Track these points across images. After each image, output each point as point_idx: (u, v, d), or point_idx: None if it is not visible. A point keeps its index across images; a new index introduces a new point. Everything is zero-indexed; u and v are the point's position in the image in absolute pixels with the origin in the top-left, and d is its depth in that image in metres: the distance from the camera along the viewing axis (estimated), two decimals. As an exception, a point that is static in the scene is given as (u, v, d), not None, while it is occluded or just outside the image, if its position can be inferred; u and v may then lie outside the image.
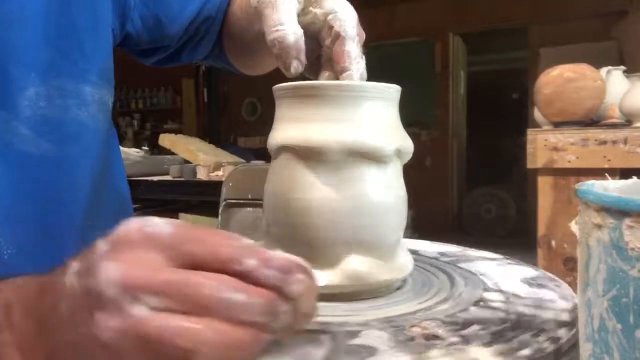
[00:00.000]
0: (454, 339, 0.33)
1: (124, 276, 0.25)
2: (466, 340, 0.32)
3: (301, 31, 0.42)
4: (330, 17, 0.43)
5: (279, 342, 0.30)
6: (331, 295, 0.40)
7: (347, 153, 0.39)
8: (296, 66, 0.42)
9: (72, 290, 0.27)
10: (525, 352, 0.31)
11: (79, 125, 0.53)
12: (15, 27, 0.48)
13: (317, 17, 0.43)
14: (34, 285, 0.31)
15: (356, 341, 0.33)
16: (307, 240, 0.40)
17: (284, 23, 0.41)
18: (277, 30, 0.41)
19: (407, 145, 0.42)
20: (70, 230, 0.52)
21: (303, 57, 0.42)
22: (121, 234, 0.27)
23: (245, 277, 0.26)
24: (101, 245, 0.27)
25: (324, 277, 0.39)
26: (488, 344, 0.32)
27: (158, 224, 0.27)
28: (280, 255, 0.27)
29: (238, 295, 0.25)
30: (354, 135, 0.39)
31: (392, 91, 0.42)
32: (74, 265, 0.28)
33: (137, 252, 0.26)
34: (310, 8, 0.43)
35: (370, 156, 0.39)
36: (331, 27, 0.43)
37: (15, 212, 0.47)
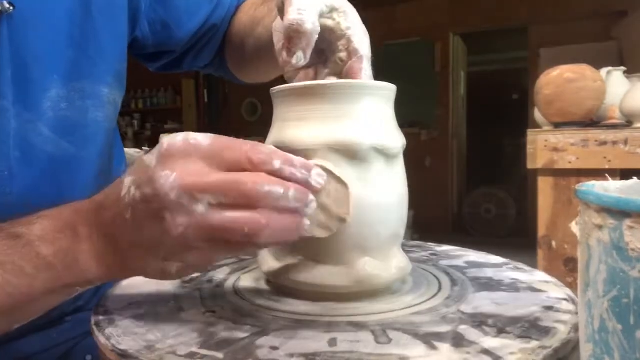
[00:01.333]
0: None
1: (182, 181, 0.31)
2: None
3: (319, 28, 0.41)
4: (350, 31, 0.43)
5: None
6: (336, 295, 0.40)
7: (336, 151, 0.39)
8: (300, 57, 0.41)
9: (133, 200, 0.33)
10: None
11: (97, 126, 0.55)
12: (41, 30, 0.49)
13: (340, 26, 0.43)
14: (88, 206, 0.37)
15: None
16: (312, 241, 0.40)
17: (307, 10, 0.40)
18: (299, 13, 0.40)
19: (393, 143, 0.42)
20: None
21: (309, 52, 0.41)
22: (168, 148, 0.32)
23: (274, 175, 0.32)
24: (149, 159, 0.33)
25: (335, 278, 0.40)
26: None
27: (197, 137, 0.33)
28: (299, 158, 0.34)
29: (276, 187, 0.32)
30: (342, 133, 0.39)
31: (387, 89, 0.42)
32: (127, 181, 0.33)
33: (185, 161, 0.32)
34: (335, 15, 0.43)
35: (352, 154, 0.39)
36: (350, 42, 0.43)
37: (33, 209, 0.48)
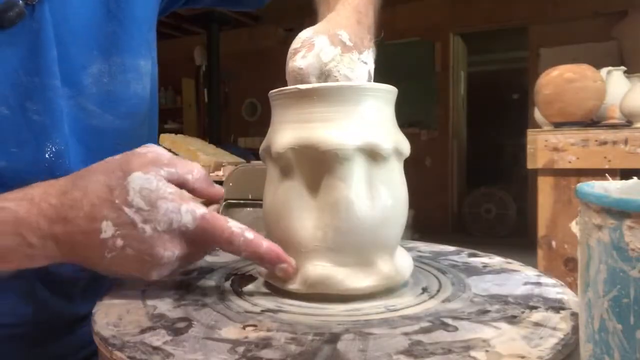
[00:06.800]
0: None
1: (181, 255, 0.39)
2: None
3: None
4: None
5: None
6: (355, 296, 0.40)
7: (343, 153, 0.38)
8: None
9: (115, 248, 0.37)
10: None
11: (139, 98, 0.56)
12: (78, 7, 0.50)
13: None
14: (39, 211, 0.38)
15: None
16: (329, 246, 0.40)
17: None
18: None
19: (405, 145, 0.42)
20: None
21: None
22: (162, 234, 0.37)
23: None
24: (134, 218, 0.37)
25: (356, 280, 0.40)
26: None
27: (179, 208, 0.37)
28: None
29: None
30: (352, 135, 0.39)
31: (389, 91, 0.42)
32: (106, 226, 0.37)
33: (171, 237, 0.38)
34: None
35: (372, 156, 0.39)
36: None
37: None
